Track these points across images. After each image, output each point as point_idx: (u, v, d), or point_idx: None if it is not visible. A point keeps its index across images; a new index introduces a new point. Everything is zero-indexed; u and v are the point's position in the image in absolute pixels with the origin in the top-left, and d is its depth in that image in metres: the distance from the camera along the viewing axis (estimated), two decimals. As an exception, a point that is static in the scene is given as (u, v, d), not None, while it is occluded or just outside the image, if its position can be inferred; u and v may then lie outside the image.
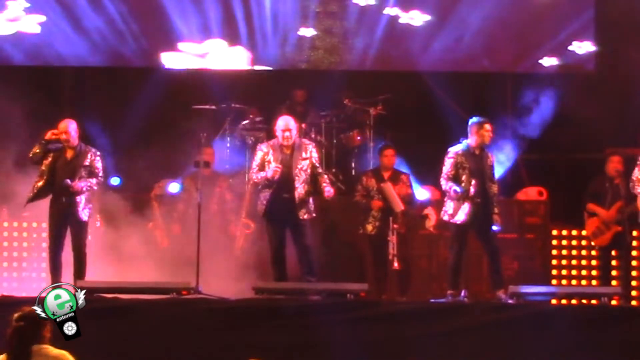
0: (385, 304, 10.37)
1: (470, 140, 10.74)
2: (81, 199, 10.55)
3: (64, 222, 10.58)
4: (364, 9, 13.92)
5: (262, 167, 10.57)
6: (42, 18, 13.74)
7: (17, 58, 13.79)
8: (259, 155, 10.65)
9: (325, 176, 10.84)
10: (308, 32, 14.10)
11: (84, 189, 10.54)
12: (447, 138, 11.93)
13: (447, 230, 11.90)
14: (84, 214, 10.57)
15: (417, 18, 13.89)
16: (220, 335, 9.49)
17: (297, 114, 12.87)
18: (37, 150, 10.59)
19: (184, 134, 12.66)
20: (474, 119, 10.81)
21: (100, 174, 10.72)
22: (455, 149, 10.75)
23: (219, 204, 12.14)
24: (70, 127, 10.62)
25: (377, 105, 13.29)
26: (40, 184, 10.53)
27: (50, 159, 10.57)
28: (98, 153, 10.78)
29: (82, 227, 10.63)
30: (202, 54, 13.98)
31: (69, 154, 10.64)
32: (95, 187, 10.76)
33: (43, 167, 10.54)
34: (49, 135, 10.58)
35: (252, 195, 11.61)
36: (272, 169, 10.44)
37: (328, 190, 10.55)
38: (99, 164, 10.69)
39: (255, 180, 10.67)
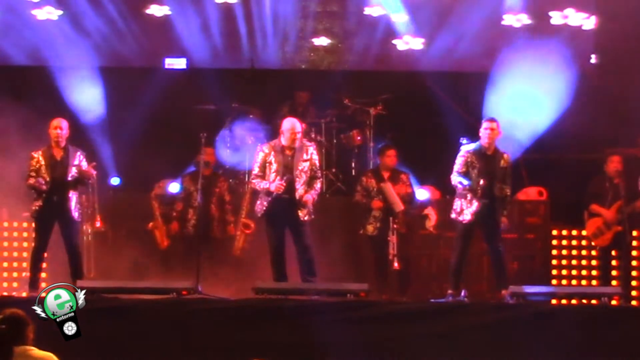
0: (385, 304, 10.36)
1: (480, 140, 10.75)
2: (72, 198, 10.58)
3: (53, 222, 10.61)
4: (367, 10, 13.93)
5: (263, 169, 10.55)
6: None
7: (17, 58, 13.79)
8: (260, 156, 10.62)
9: (319, 184, 10.77)
10: (308, 32, 14.09)
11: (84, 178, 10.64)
12: (446, 138, 11.93)
13: (447, 230, 11.93)
14: (75, 213, 10.60)
15: (412, 43, 13.96)
16: (220, 335, 9.48)
17: (298, 114, 12.87)
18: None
19: (184, 134, 12.66)
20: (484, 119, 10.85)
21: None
22: (467, 148, 10.74)
23: (217, 204, 12.14)
24: (62, 126, 10.66)
25: (377, 105, 13.28)
26: (45, 195, 10.57)
27: (42, 161, 10.57)
28: (84, 153, 10.84)
29: (75, 226, 10.66)
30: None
31: (58, 154, 10.66)
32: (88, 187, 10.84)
33: (42, 175, 10.55)
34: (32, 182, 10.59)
35: (252, 196, 11.61)
36: (276, 185, 10.39)
37: (309, 196, 10.50)
38: (85, 164, 10.74)
39: (258, 189, 10.63)
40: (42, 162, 10.58)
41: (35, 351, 5.80)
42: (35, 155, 10.63)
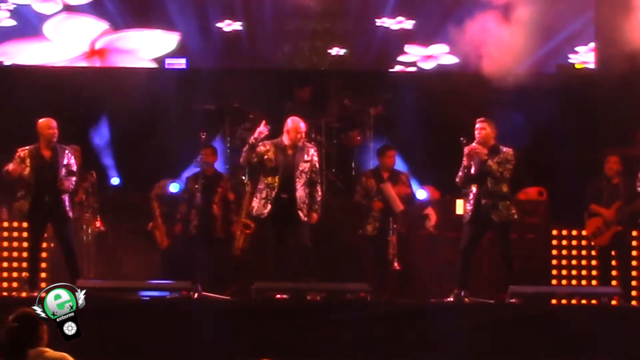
0: (385, 304, 10.37)
1: (475, 141, 10.74)
2: (65, 197, 10.54)
3: (46, 221, 10.60)
4: (367, 11, 13.93)
5: (256, 154, 10.50)
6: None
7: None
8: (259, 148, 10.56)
9: (320, 192, 10.74)
10: (307, 31, 14.09)
11: (71, 187, 10.57)
12: (447, 138, 11.92)
13: (447, 230, 11.95)
14: (68, 211, 10.57)
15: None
16: (220, 335, 9.48)
17: (300, 113, 12.83)
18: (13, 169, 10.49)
19: (184, 134, 12.66)
20: None
21: (76, 172, 10.73)
22: (468, 148, 10.74)
23: (220, 204, 12.13)
24: (55, 126, 10.59)
25: (377, 105, 13.28)
26: (22, 192, 10.50)
27: (28, 160, 10.51)
28: (72, 151, 10.78)
29: (68, 224, 10.61)
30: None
31: (47, 153, 10.57)
32: (73, 186, 10.81)
33: (25, 173, 10.49)
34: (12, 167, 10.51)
35: (252, 196, 11.60)
36: (259, 130, 10.48)
37: (314, 214, 10.54)
38: (73, 162, 10.69)
39: (244, 150, 10.62)
40: (27, 164, 10.47)
41: (49, 352, 5.75)
42: (22, 155, 10.53)
